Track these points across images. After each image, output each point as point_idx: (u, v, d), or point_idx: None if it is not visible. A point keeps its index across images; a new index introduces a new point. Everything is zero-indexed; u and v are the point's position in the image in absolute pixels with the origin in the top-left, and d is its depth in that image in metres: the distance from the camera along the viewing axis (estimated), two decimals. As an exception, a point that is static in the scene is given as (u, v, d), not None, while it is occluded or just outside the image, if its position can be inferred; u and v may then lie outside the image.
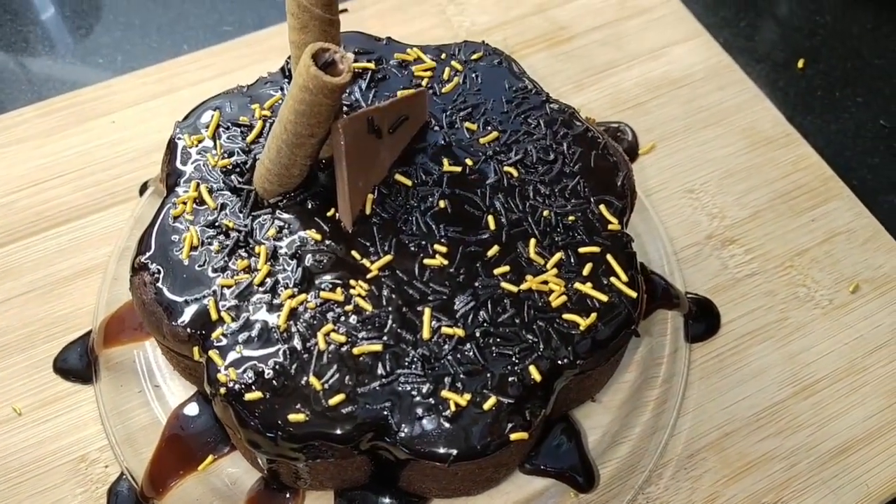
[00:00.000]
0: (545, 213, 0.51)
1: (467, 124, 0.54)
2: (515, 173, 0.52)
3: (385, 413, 0.44)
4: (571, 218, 0.51)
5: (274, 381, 0.45)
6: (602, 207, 0.52)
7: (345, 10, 0.53)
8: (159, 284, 0.48)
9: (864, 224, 0.67)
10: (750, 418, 0.58)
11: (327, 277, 0.48)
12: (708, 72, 0.75)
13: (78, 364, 0.59)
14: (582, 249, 0.50)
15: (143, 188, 0.66)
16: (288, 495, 0.52)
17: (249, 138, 0.53)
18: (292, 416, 0.44)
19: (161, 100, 0.72)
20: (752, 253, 0.65)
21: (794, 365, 0.60)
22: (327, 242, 0.49)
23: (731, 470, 0.56)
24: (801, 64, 0.79)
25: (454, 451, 0.44)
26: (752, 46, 0.81)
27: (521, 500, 0.53)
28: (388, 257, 0.49)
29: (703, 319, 0.62)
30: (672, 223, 0.66)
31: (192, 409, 0.54)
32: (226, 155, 0.52)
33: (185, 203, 0.50)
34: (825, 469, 0.56)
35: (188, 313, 0.47)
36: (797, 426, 0.58)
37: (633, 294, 0.49)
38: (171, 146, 0.54)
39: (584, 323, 0.47)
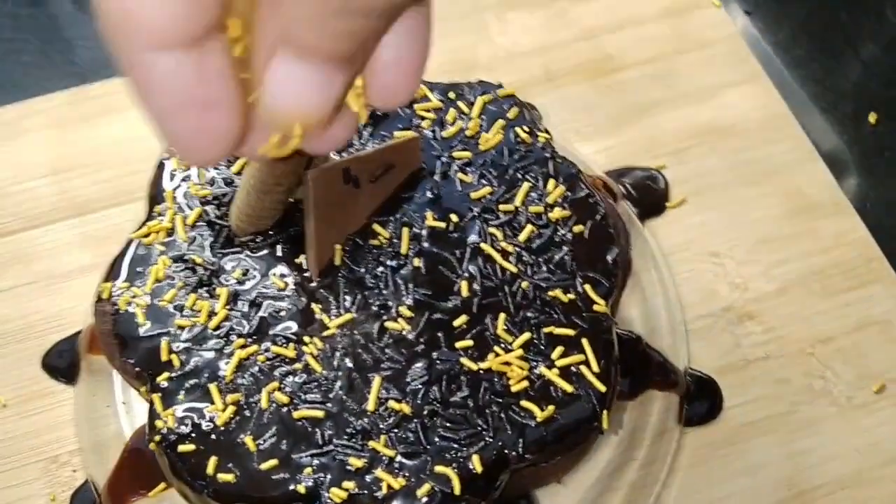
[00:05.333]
0: (524, 284, 0.48)
1: (461, 175, 0.51)
2: (500, 236, 0.49)
3: (315, 483, 0.43)
4: (551, 294, 0.48)
5: (211, 436, 0.44)
6: (587, 287, 0.48)
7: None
8: (118, 316, 0.47)
9: (904, 316, 0.61)
10: (734, 519, 0.54)
11: (283, 329, 0.47)
12: (760, 122, 0.69)
13: (63, 363, 0.60)
14: (556, 330, 0.47)
15: (153, 189, 0.66)
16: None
17: (234, 168, 0.52)
18: (221, 476, 0.43)
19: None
20: (770, 333, 0.60)
21: (795, 466, 0.55)
22: (289, 292, 0.48)
23: (703, 573, 0.53)
24: (872, 119, 0.72)
25: (379, 536, 0.42)
26: (821, 93, 0.74)
27: (466, 575, 0.51)
28: (349, 315, 0.47)
29: (702, 401, 0.57)
30: (688, 289, 0.62)
31: (154, 432, 0.54)
32: (207, 184, 0.51)
33: (158, 232, 0.50)
34: (806, 588, 0.52)
35: (140, 351, 0.46)
36: (785, 535, 0.54)
37: (602, 388, 0.45)
38: (160, 167, 0.53)
39: (541, 414, 0.44)
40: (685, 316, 0.60)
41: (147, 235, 0.50)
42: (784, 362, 0.59)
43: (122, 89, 0.71)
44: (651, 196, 0.65)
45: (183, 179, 0.52)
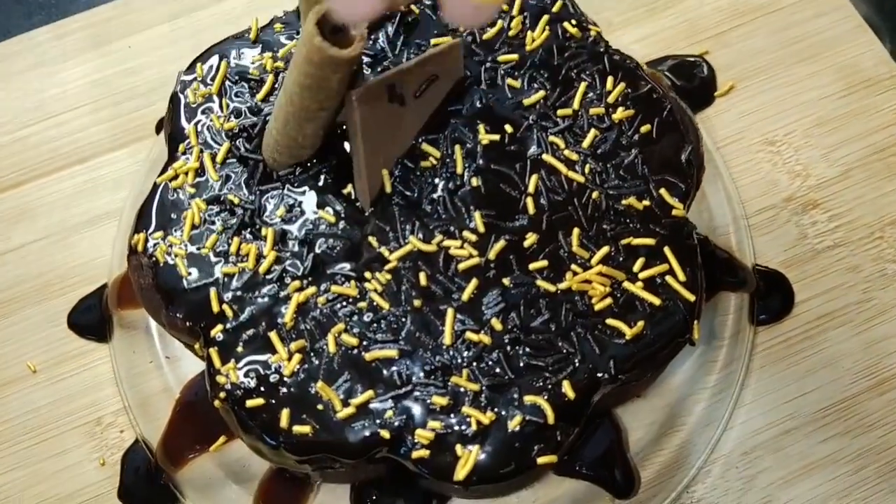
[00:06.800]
0: (594, 194, 0.44)
1: (510, 81, 0.47)
2: (562, 144, 0.45)
3: (399, 426, 0.40)
4: (625, 202, 0.44)
5: (279, 387, 0.41)
6: (663, 191, 0.44)
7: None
8: (158, 268, 0.43)
9: (973, 188, 0.57)
10: (816, 414, 0.52)
11: (340, 268, 0.43)
12: (804, -6, 0.64)
13: (93, 320, 0.56)
14: (635, 241, 0.43)
15: (161, 125, 0.61)
16: (305, 481, 0.49)
17: (259, 96, 0.47)
18: (297, 428, 0.40)
19: (182, 20, 0.65)
20: (836, 220, 0.57)
21: (873, 354, 0.53)
22: (342, 226, 0.44)
23: (789, 471, 0.51)
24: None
25: (473, 475, 0.40)
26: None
27: (550, 500, 0.49)
28: (410, 246, 0.43)
29: (772, 298, 0.55)
30: (746, 181, 0.58)
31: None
32: (232, 116, 0.46)
33: (186, 173, 0.45)
34: (897, 476, 0.51)
35: (188, 304, 0.43)
36: (868, 425, 0.52)
37: (691, 297, 0.42)
38: (174, 102, 0.48)
39: (630, 331, 0.41)
40: (745, 211, 0.57)
41: (174, 178, 0.45)
42: (853, 249, 0.56)
43: (108, 17, 0.66)
44: (697, 86, 0.60)
45: (203, 113, 0.47)
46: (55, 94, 0.63)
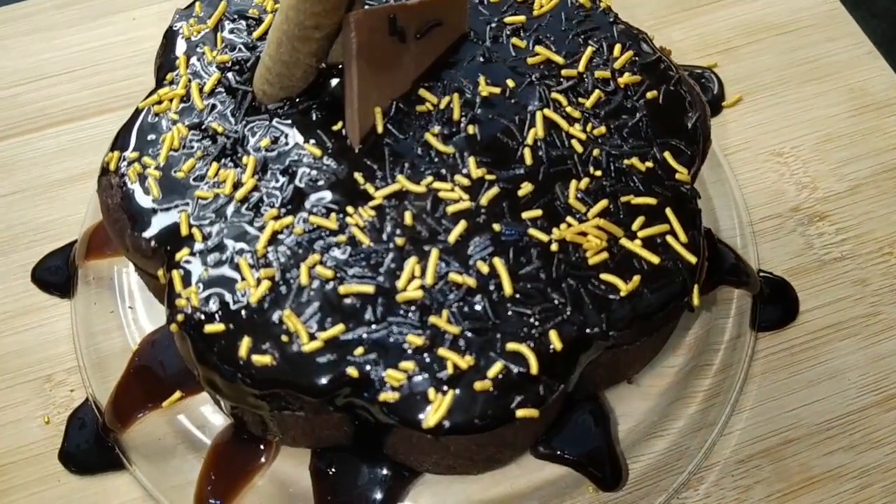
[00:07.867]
0: (595, 151, 0.42)
1: (514, 40, 0.46)
2: (565, 101, 0.43)
3: (368, 367, 0.37)
4: (627, 161, 0.42)
5: (241, 314, 0.37)
6: (667, 154, 0.42)
7: None
8: (128, 187, 0.41)
9: (985, 213, 0.55)
10: (819, 426, 0.48)
11: (321, 200, 0.40)
12: (817, 19, 0.64)
13: (57, 275, 0.53)
14: (635, 199, 0.41)
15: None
16: (260, 446, 0.45)
17: (256, 34, 0.45)
18: (257, 358, 0.36)
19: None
20: (844, 233, 0.55)
21: (881, 369, 0.50)
22: (327, 160, 0.41)
23: (789, 484, 0.47)
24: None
25: (445, 422, 0.36)
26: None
27: (528, 487, 0.45)
28: (397, 185, 0.40)
29: (775, 304, 0.52)
30: (752, 189, 0.56)
31: (166, 336, 0.47)
32: (226, 49, 0.45)
33: (171, 100, 0.43)
34: (905, 498, 0.46)
35: (155, 225, 0.40)
36: (875, 441, 0.48)
37: (693, 259, 0.40)
38: (169, 35, 0.46)
39: (625, 287, 0.38)
40: (751, 217, 0.55)
41: (158, 103, 0.43)
42: (861, 262, 0.53)
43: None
44: (705, 96, 0.59)
45: (196, 46, 0.45)
46: (51, 57, 0.62)
